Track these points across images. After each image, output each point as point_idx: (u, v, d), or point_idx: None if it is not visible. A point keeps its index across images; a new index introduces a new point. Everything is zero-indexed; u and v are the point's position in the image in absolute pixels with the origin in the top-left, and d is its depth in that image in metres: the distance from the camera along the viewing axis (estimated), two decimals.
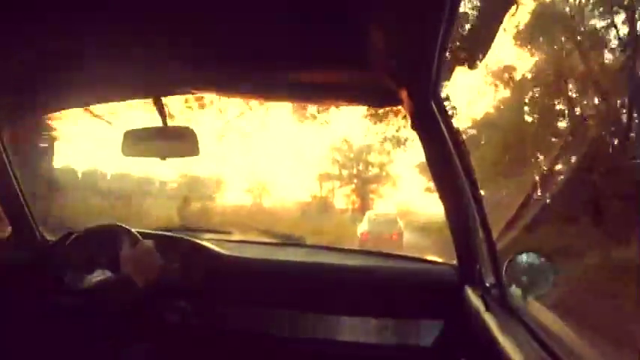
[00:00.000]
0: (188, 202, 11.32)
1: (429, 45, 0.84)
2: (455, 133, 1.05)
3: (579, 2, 8.86)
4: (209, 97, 7.33)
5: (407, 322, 1.42)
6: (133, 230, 1.43)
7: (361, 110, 8.80)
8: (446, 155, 1.09)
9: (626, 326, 3.71)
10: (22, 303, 1.20)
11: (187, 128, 1.39)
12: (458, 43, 6.28)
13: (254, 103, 8.04)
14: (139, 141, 1.40)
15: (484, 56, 6.93)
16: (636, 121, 8.41)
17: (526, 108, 10.08)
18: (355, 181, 18.90)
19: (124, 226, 1.44)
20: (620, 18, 8.62)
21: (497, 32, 6.64)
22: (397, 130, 9.81)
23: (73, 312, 1.11)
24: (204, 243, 1.59)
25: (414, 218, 15.39)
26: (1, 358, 1.06)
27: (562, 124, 9.63)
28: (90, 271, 1.33)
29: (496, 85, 10.39)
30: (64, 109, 1.46)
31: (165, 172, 13.61)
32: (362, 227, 10.79)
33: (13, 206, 1.66)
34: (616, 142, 8.71)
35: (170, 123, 1.38)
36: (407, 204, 18.34)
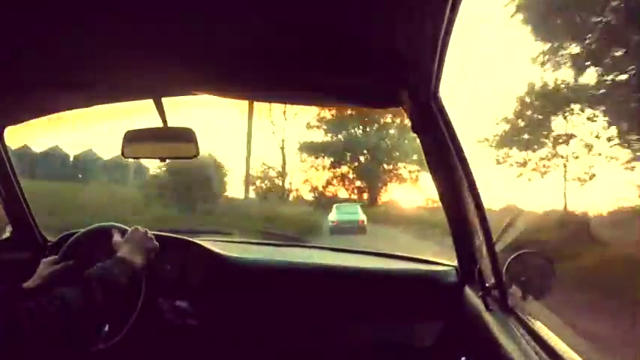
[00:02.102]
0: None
1: (429, 46, 0.84)
2: (455, 134, 1.05)
3: None
4: None
5: (407, 322, 1.43)
6: (123, 226, 1.43)
7: None
8: (447, 157, 1.09)
9: None
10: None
11: (187, 129, 1.39)
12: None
13: None
14: (139, 141, 1.40)
15: None
16: None
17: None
18: (364, 156, 13.31)
19: (116, 224, 1.45)
20: None
21: None
22: None
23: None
24: (205, 244, 1.59)
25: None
26: (1, 357, 1.06)
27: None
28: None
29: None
30: (63, 109, 1.45)
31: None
32: (331, 217, 12.87)
33: (13, 206, 1.66)
34: None
35: None
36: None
